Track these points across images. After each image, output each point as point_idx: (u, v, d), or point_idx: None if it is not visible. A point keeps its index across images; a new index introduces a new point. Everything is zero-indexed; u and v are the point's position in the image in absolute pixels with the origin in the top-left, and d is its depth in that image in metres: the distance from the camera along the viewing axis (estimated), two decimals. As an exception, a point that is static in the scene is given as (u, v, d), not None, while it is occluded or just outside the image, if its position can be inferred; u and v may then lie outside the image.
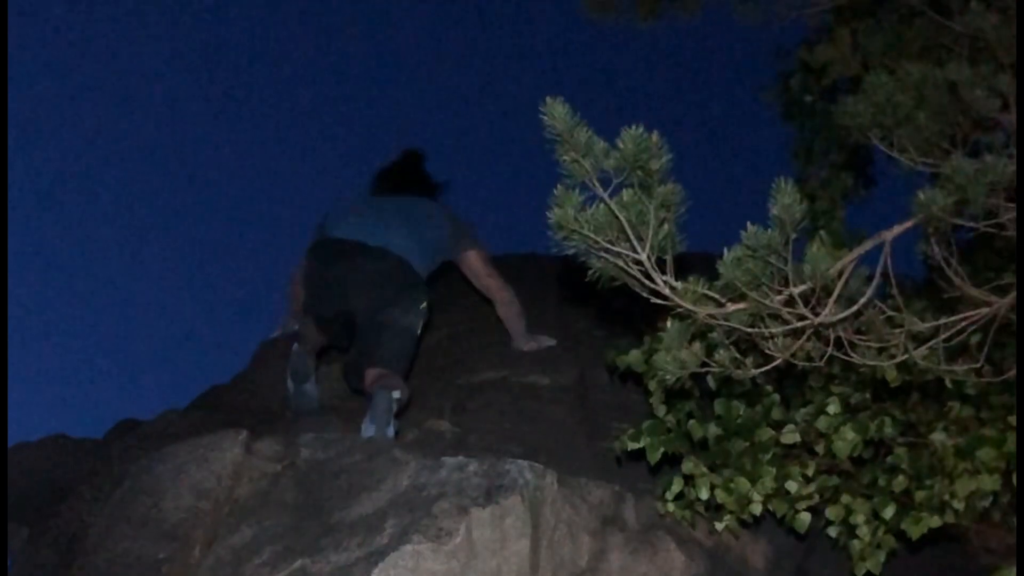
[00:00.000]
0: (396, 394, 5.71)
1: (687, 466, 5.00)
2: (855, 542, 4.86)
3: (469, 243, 6.70)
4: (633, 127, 2.95)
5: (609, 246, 3.09)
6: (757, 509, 4.92)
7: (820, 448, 4.91)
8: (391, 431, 5.62)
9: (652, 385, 5.08)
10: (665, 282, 3.14)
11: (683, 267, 3.22)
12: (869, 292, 3.25)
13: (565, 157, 2.97)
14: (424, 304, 6.24)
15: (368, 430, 5.57)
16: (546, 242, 3.17)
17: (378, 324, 6.06)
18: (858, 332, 3.45)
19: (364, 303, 6.16)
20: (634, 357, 5.23)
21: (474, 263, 6.69)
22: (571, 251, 3.15)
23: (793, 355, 3.37)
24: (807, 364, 3.44)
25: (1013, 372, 4.10)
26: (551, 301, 7.04)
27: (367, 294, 6.16)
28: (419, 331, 6.20)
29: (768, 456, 4.89)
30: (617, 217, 3.03)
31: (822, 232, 4.68)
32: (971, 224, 3.19)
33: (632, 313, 4.88)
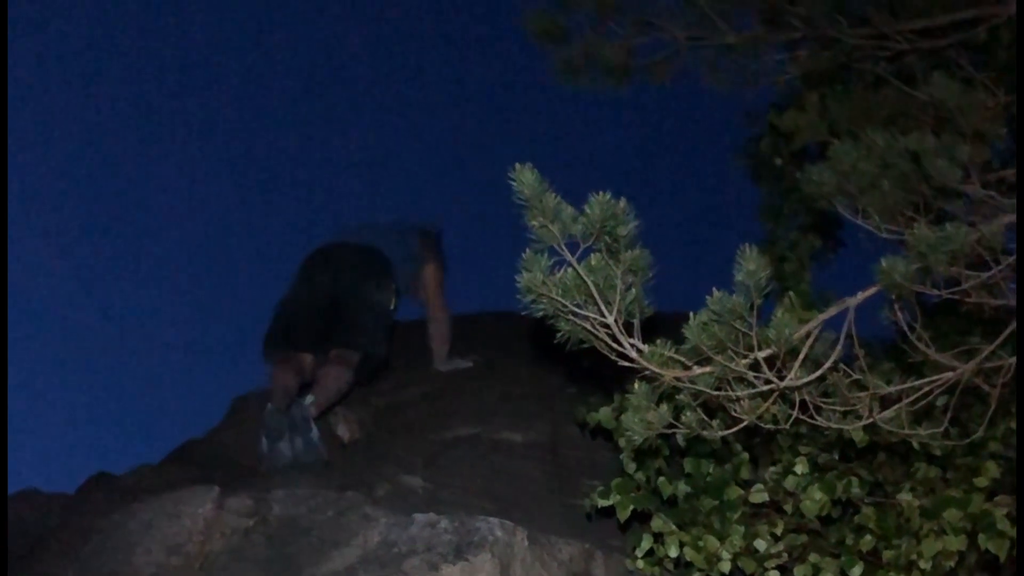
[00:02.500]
0: (308, 399, 6.17)
1: (656, 523, 5.02)
2: (822, 601, 4.88)
3: (433, 260, 7.21)
4: (600, 193, 2.99)
5: (577, 309, 3.12)
6: (726, 567, 4.93)
7: (788, 507, 4.94)
8: (314, 435, 6.09)
9: (622, 442, 5.11)
10: (632, 345, 3.17)
11: (652, 327, 3.25)
12: (834, 356, 3.29)
13: (534, 222, 3.01)
14: (395, 286, 6.82)
15: (289, 449, 6.07)
16: (519, 302, 3.21)
17: (355, 301, 6.60)
18: (824, 395, 3.48)
19: (341, 283, 6.67)
20: (604, 415, 5.27)
21: (428, 278, 7.17)
22: (540, 314, 3.18)
23: (760, 417, 3.40)
24: (773, 427, 3.48)
25: (979, 434, 4.14)
26: (524, 358, 7.07)
27: (342, 275, 6.69)
28: (392, 306, 6.81)
29: (737, 514, 4.92)
30: (585, 281, 3.07)
31: (791, 293, 4.73)
32: (934, 292, 3.24)
33: (603, 371, 4.91)
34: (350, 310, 6.59)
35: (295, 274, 6.88)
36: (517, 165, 2.98)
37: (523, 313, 3.21)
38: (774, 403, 3.39)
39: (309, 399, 6.19)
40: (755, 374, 3.24)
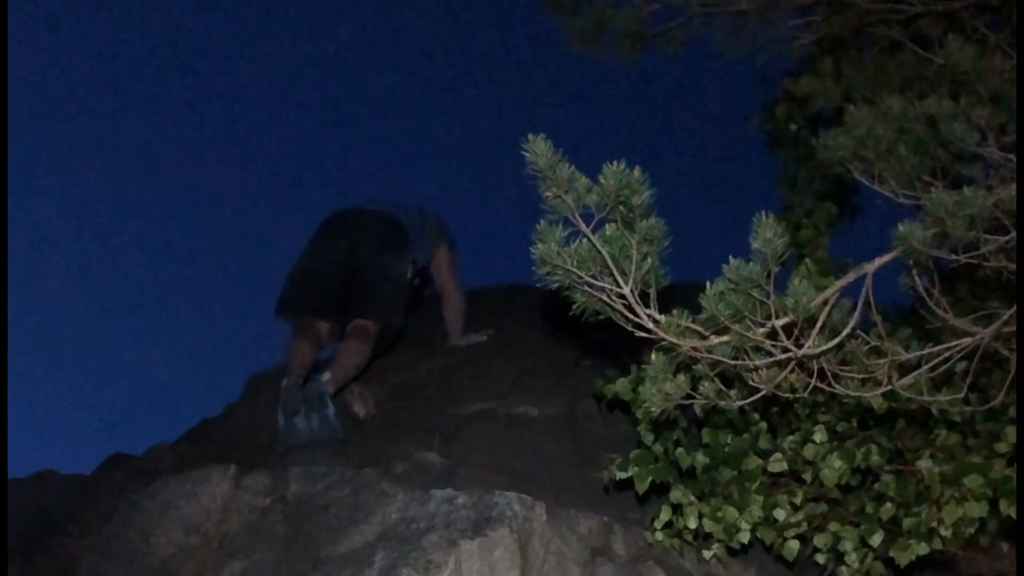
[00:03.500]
0: (324, 376, 6.18)
1: (675, 495, 5.01)
2: (843, 569, 4.86)
3: (445, 243, 7.21)
4: (615, 163, 2.96)
5: (592, 280, 3.10)
6: (745, 537, 4.92)
7: (807, 476, 4.92)
8: (330, 411, 6.12)
9: (640, 414, 5.09)
10: (648, 316, 3.15)
11: (668, 298, 3.23)
12: (852, 323, 3.26)
13: (547, 193, 2.99)
14: (412, 256, 6.85)
15: (305, 425, 6.12)
16: (534, 275, 3.19)
17: (372, 269, 6.61)
18: (842, 363, 3.46)
19: (360, 249, 6.67)
20: (621, 386, 5.25)
21: (442, 260, 7.19)
22: (555, 285, 3.16)
23: (777, 387, 3.37)
24: (791, 396, 3.45)
25: (999, 400, 4.11)
26: (539, 332, 7.05)
27: (361, 242, 6.70)
28: (408, 275, 6.81)
29: (756, 484, 4.90)
30: (600, 252, 3.04)
31: (807, 260, 4.70)
32: (952, 257, 3.20)
33: (619, 343, 4.90)
34: (369, 278, 6.60)
35: (313, 236, 6.89)
36: (530, 136, 2.95)
37: (538, 285, 3.19)
38: (792, 372, 3.37)
39: (326, 375, 6.19)
40: (773, 343, 3.21)
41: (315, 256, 6.77)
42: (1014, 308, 3.43)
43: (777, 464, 4.93)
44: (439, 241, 7.17)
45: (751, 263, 3.01)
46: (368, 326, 6.45)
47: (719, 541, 4.97)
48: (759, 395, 3.41)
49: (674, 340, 3.17)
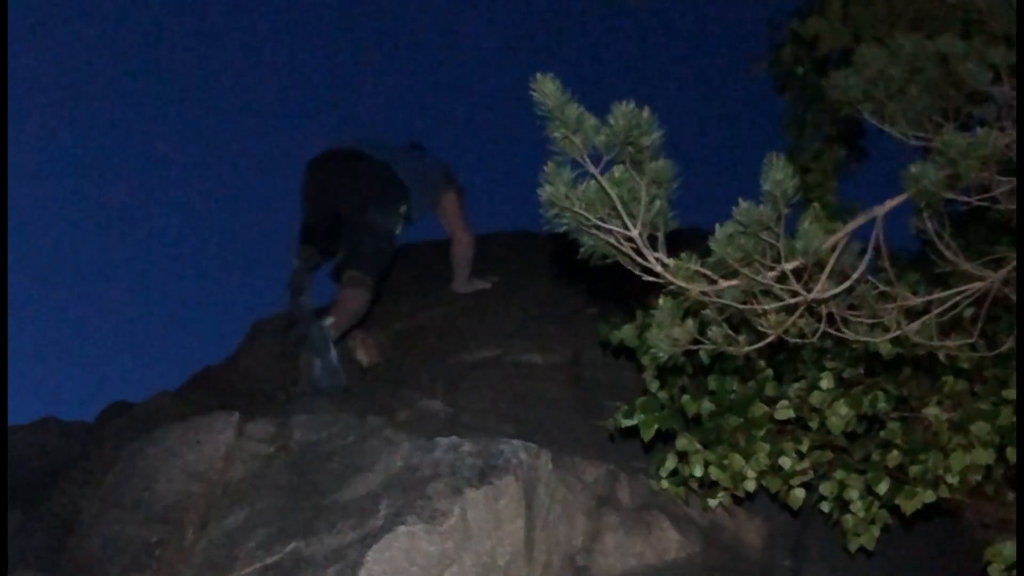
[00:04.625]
0: (327, 321, 6.19)
1: (681, 443, 4.99)
2: (849, 517, 4.84)
3: (451, 185, 7.17)
4: (624, 103, 2.92)
5: (600, 223, 3.06)
6: (751, 485, 4.91)
7: (814, 423, 4.90)
8: (333, 356, 6.14)
9: (645, 360, 5.07)
10: (657, 259, 3.11)
11: (675, 243, 3.19)
12: (861, 267, 3.23)
13: (556, 134, 2.95)
14: (404, 208, 6.75)
15: (315, 366, 6.15)
16: (539, 221, 3.15)
17: (360, 225, 6.57)
18: (851, 307, 3.42)
19: (349, 202, 6.66)
20: (627, 332, 5.23)
21: (449, 203, 7.14)
22: (563, 228, 3.12)
23: (786, 332, 3.34)
24: (800, 341, 3.42)
25: (1007, 346, 4.08)
26: (544, 279, 7.03)
27: (351, 194, 6.67)
28: (397, 231, 6.72)
29: (762, 432, 4.89)
30: (608, 194, 3.00)
31: (816, 203, 4.66)
32: (963, 199, 3.17)
33: (624, 290, 4.87)
34: (356, 234, 6.60)
35: (307, 173, 6.92)
36: (539, 75, 2.91)
37: (544, 228, 3.15)
38: (801, 316, 3.33)
39: (328, 319, 6.21)
40: (782, 287, 3.18)
41: (306, 207, 6.86)
42: (1024, 252, 3.40)
43: (783, 411, 4.91)
44: (445, 186, 7.12)
45: (761, 205, 2.98)
46: (362, 276, 6.47)
47: (725, 489, 4.97)
48: (767, 340, 3.38)
49: (683, 284, 3.14)
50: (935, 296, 3.47)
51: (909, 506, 4.68)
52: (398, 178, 6.78)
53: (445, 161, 7.30)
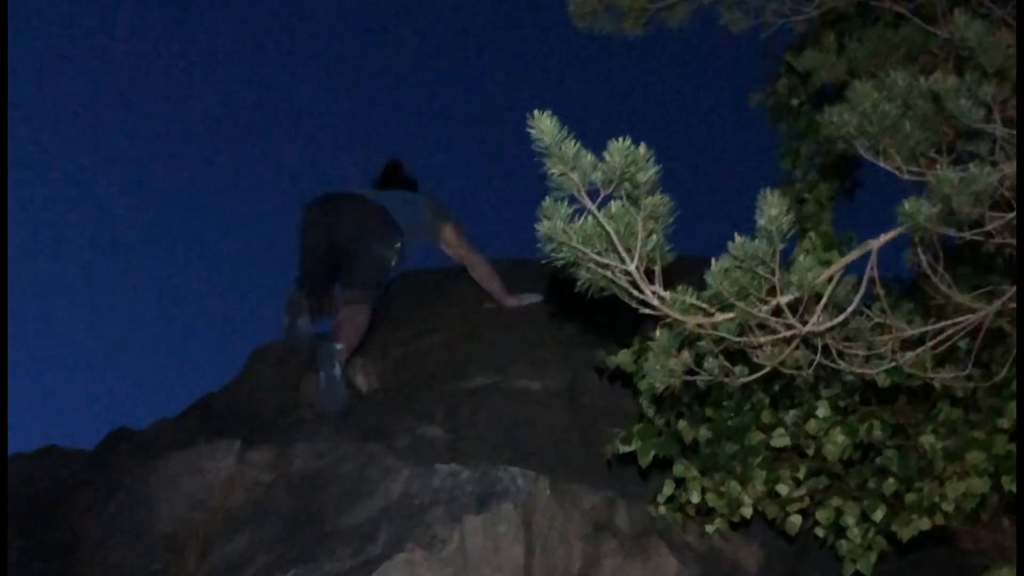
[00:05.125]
0: (338, 345, 6.30)
1: (678, 469, 5.02)
2: (845, 543, 4.88)
3: (446, 219, 7.25)
4: (620, 139, 2.95)
5: (598, 257, 3.09)
6: (748, 512, 4.95)
7: (810, 450, 4.93)
8: (337, 375, 6.24)
9: (642, 386, 5.10)
10: (654, 292, 3.14)
11: (673, 273, 3.22)
12: (856, 300, 3.26)
13: (553, 170, 2.98)
14: (399, 244, 6.93)
15: (319, 381, 6.24)
16: (536, 248, 3.18)
17: (359, 252, 6.76)
18: (846, 339, 3.46)
19: (349, 235, 6.82)
20: (623, 357, 5.25)
21: (449, 236, 7.23)
22: (561, 262, 3.15)
23: (782, 363, 3.37)
24: (796, 372, 3.46)
25: (1002, 375, 4.12)
26: (543, 305, 7.05)
27: (351, 227, 6.85)
28: (393, 264, 6.95)
29: (758, 459, 4.92)
30: (605, 229, 3.04)
31: (811, 234, 4.70)
32: (957, 234, 3.20)
33: (621, 318, 4.90)
34: (352, 260, 6.77)
35: (306, 217, 7.04)
36: (536, 112, 2.94)
37: (543, 262, 3.18)
38: (796, 348, 3.37)
39: (339, 345, 6.33)
40: (777, 320, 3.21)
41: (308, 243, 7.00)
42: (1017, 285, 3.43)
43: (780, 439, 4.94)
44: (441, 222, 7.22)
45: (756, 240, 3.01)
46: (360, 293, 6.63)
47: (722, 516, 4.99)
48: (763, 372, 3.41)
49: (679, 316, 3.17)
50: (930, 328, 3.51)
51: (905, 533, 4.72)
52: (393, 219, 6.94)
53: (438, 199, 7.40)
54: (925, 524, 4.69)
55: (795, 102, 6.66)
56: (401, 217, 6.98)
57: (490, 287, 7.21)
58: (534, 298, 7.14)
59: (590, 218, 3.05)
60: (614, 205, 3.04)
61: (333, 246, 6.84)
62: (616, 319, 5.38)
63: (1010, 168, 3.18)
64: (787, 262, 3.14)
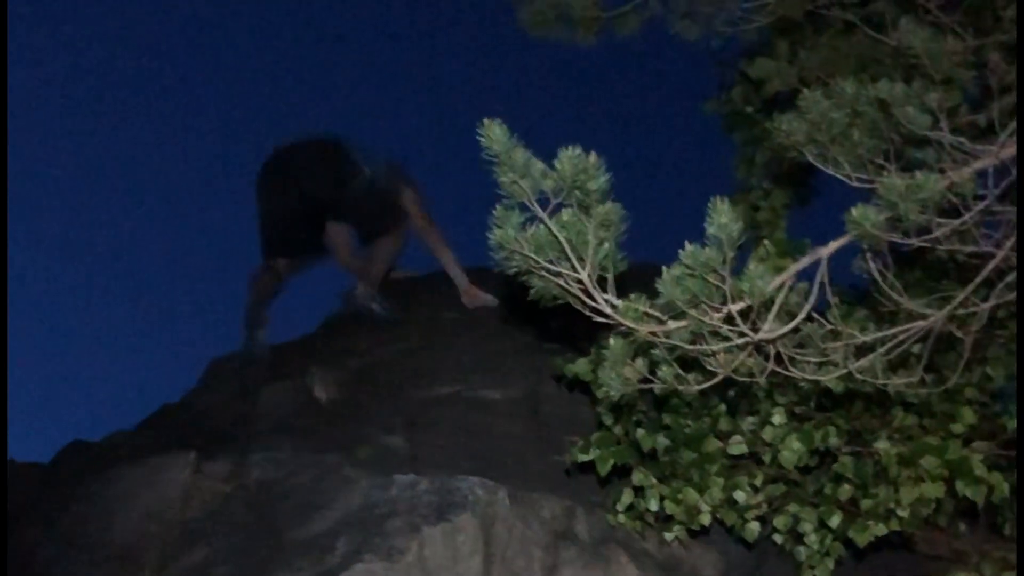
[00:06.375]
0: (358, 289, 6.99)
1: (637, 477, 5.03)
2: (803, 549, 4.90)
3: (407, 187, 7.31)
4: (570, 148, 2.96)
5: (550, 265, 3.09)
6: (706, 519, 4.96)
7: (767, 458, 4.95)
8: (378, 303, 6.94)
9: (600, 394, 5.11)
10: (606, 300, 3.15)
11: (628, 281, 3.23)
12: (807, 307, 3.27)
13: (504, 178, 2.98)
14: (365, 170, 7.14)
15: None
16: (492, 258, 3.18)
17: (343, 199, 7.08)
18: (798, 346, 3.47)
19: (316, 185, 7.09)
20: (581, 367, 5.26)
21: (410, 205, 7.27)
22: (513, 270, 3.15)
23: (735, 370, 3.38)
24: (749, 379, 3.47)
25: (953, 380, 4.14)
26: (500, 315, 7.05)
27: (315, 176, 7.09)
28: (371, 179, 7.16)
29: (716, 467, 4.93)
30: (557, 237, 3.04)
31: (766, 242, 4.72)
32: (905, 240, 3.22)
33: (579, 326, 4.91)
34: (343, 211, 7.08)
35: (262, 179, 7.19)
36: (486, 120, 2.94)
37: (496, 270, 3.19)
38: (749, 356, 3.37)
39: (359, 287, 6.89)
40: (729, 327, 3.22)
41: (270, 203, 7.14)
42: (967, 291, 3.46)
43: (737, 446, 4.97)
44: (400, 185, 7.26)
45: (707, 248, 3.02)
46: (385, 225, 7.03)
47: (680, 523, 5.00)
48: (717, 379, 3.42)
49: (631, 325, 3.18)
50: (882, 334, 3.52)
51: (862, 539, 4.73)
52: (347, 146, 7.16)
53: (397, 162, 7.48)
54: (881, 530, 4.71)
55: (749, 110, 6.68)
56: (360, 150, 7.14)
57: (447, 265, 7.29)
58: (490, 300, 7.16)
59: (542, 226, 3.05)
60: (565, 213, 3.04)
61: (304, 200, 7.00)
62: (578, 327, 5.39)
63: (957, 175, 3.20)
64: (741, 269, 3.15)
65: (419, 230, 7.26)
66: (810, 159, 3.40)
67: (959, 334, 3.82)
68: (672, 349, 3.32)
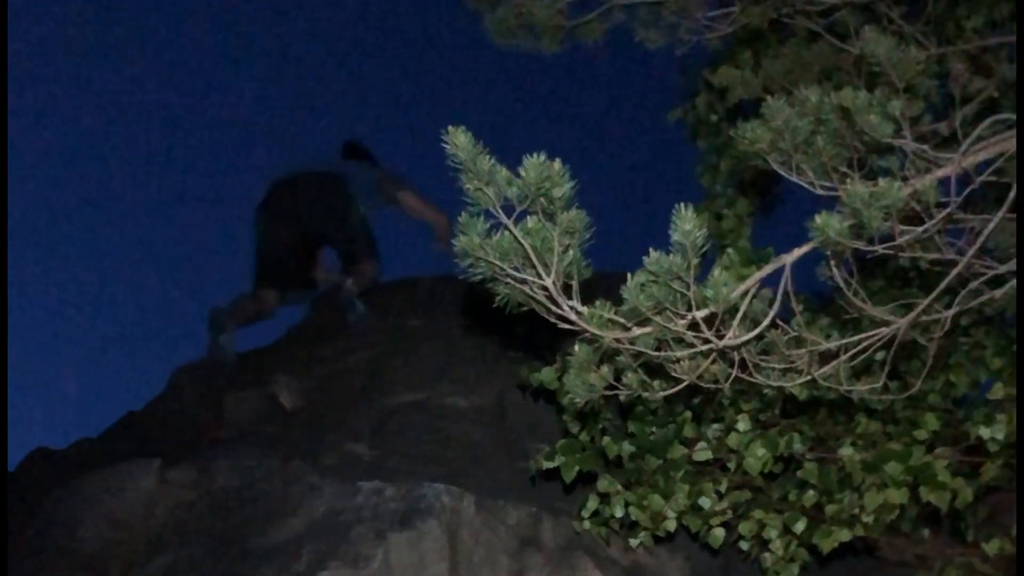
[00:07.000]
0: (348, 281, 7.19)
1: (602, 484, 5.04)
2: (768, 556, 4.92)
3: (402, 187, 7.64)
4: (535, 155, 2.96)
5: (515, 272, 3.10)
6: (671, 525, 4.97)
7: (732, 464, 4.97)
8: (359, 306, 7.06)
9: (565, 401, 5.12)
10: (571, 307, 3.16)
11: (593, 288, 3.24)
12: (772, 314, 3.29)
13: (469, 185, 2.98)
14: (359, 209, 7.40)
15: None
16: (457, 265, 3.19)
17: (334, 232, 7.35)
18: (763, 353, 3.49)
19: (312, 217, 7.33)
20: (546, 375, 5.25)
21: (410, 200, 7.63)
22: (478, 277, 3.16)
23: (699, 377, 3.39)
24: (714, 386, 3.48)
25: (917, 387, 4.16)
26: (466, 323, 7.06)
27: (312, 208, 7.32)
28: (364, 218, 7.45)
29: (681, 473, 4.95)
30: (522, 244, 3.05)
31: (729, 250, 4.74)
32: (868, 247, 3.24)
33: (545, 333, 4.92)
34: (338, 241, 7.32)
35: (262, 207, 7.38)
36: (450, 127, 2.95)
37: (461, 277, 3.19)
38: (713, 362, 3.39)
39: (349, 281, 7.08)
40: (694, 334, 3.23)
41: (268, 231, 7.34)
42: (930, 298, 3.48)
43: (702, 453, 4.98)
44: (397, 187, 7.55)
45: (671, 255, 3.03)
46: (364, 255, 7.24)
47: (645, 529, 5.01)
48: (681, 386, 3.43)
49: (596, 331, 3.19)
50: (845, 340, 3.54)
51: (826, 544, 4.76)
52: (345, 180, 7.36)
53: (389, 169, 7.77)
54: (845, 535, 4.73)
55: (714, 118, 6.73)
56: (353, 179, 7.34)
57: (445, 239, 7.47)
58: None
59: (507, 233, 3.06)
60: (530, 220, 3.05)
61: (294, 236, 7.26)
62: (544, 334, 5.40)
63: (920, 182, 3.23)
64: (706, 277, 3.16)
65: (430, 220, 7.62)
66: (774, 167, 3.41)
67: (922, 341, 3.84)
68: (637, 356, 3.34)
